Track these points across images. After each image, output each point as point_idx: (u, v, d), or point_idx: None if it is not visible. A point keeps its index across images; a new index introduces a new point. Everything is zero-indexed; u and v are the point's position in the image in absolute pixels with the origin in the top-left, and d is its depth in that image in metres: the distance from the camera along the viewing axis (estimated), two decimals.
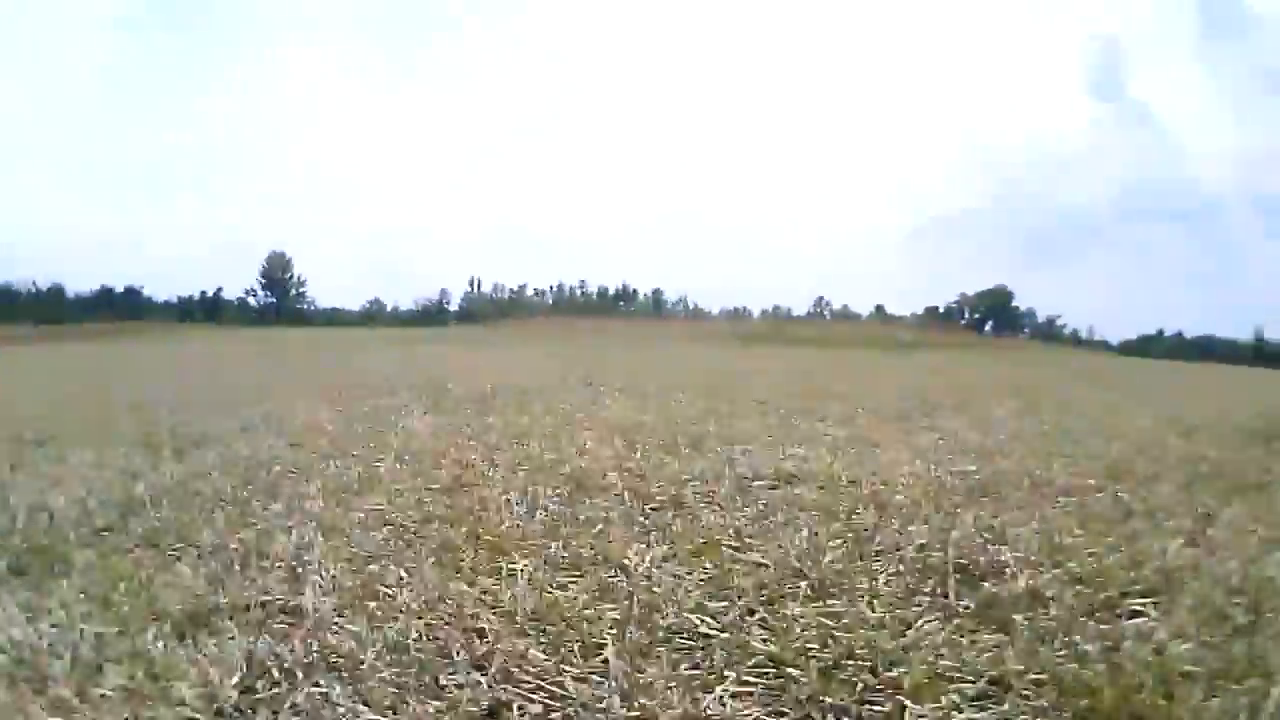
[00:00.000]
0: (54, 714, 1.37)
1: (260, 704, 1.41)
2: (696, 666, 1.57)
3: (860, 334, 32.14)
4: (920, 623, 1.73)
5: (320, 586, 1.92)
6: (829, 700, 1.45)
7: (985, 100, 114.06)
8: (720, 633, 1.70)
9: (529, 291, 74.91)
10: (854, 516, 2.67)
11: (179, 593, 1.88)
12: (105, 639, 1.64)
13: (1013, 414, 6.12)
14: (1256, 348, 58.10)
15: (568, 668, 1.55)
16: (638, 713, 1.40)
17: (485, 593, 1.92)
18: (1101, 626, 1.74)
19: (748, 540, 2.37)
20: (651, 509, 2.77)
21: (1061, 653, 1.60)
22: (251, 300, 68.30)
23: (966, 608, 1.85)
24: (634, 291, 74.62)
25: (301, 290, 69.37)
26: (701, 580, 2.03)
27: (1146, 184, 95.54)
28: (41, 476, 3.31)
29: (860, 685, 1.49)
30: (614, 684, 1.47)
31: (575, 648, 1.63)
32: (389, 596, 1.88)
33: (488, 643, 1.63)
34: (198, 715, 1.37)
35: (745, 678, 1.53)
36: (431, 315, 66.05)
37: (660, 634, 1.69)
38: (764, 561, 2.16)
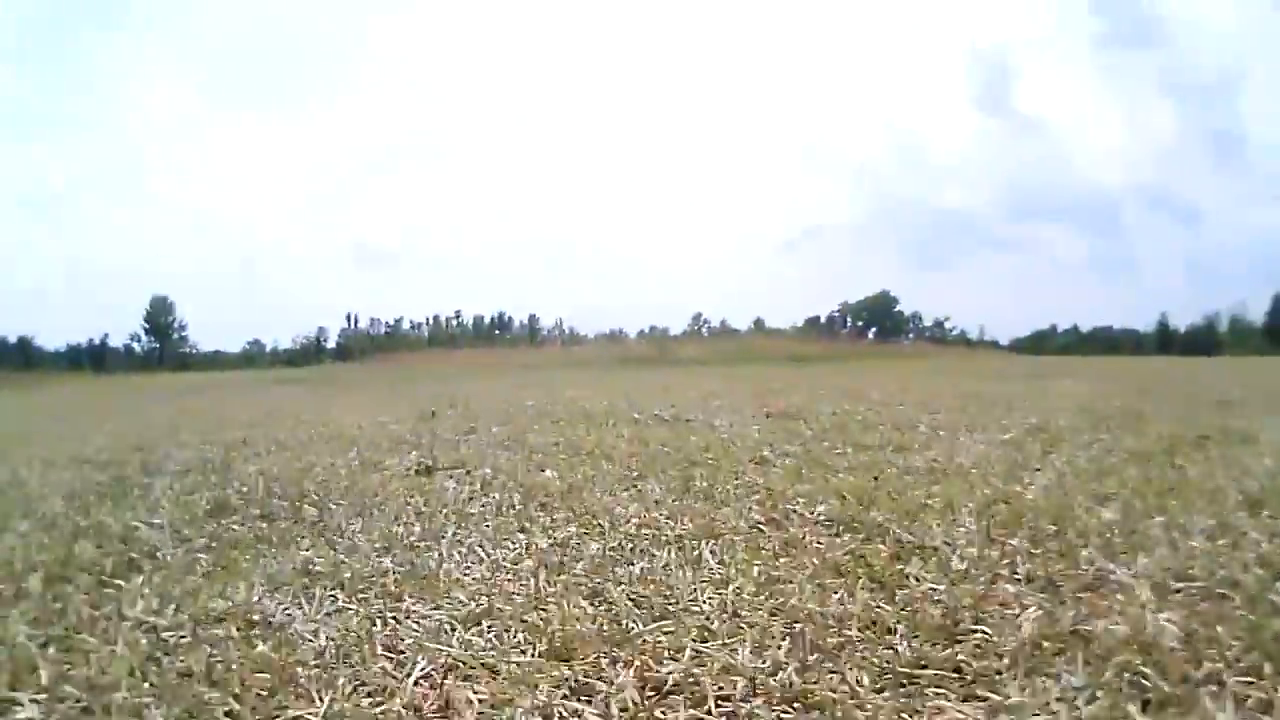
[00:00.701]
0: None
1: None
2: None
3: (749, 348, 31.30)
4: None
5: None
6: None
7: (861, 112, 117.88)
8: None
9: (405, 325, 75.14)
10: None
11: None
12: None
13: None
14: (1161, 336, 61.61)
15: None
16: None
17: None
18: None
19: None
20: None
21: None
22: (136, 346, 67.32)
23: None
24: (510, 319, 75.40)
25: (184, 334, 68.58)
26: None
27: (1034, 186, 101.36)
28: None
29: None
30: None
31: None
32: None
33: None
34: None
35: None
36: (310, 353, 66.04)
37: None
38: None
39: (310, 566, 2.12)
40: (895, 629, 1.60)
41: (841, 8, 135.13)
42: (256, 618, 1.78)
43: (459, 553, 2.23)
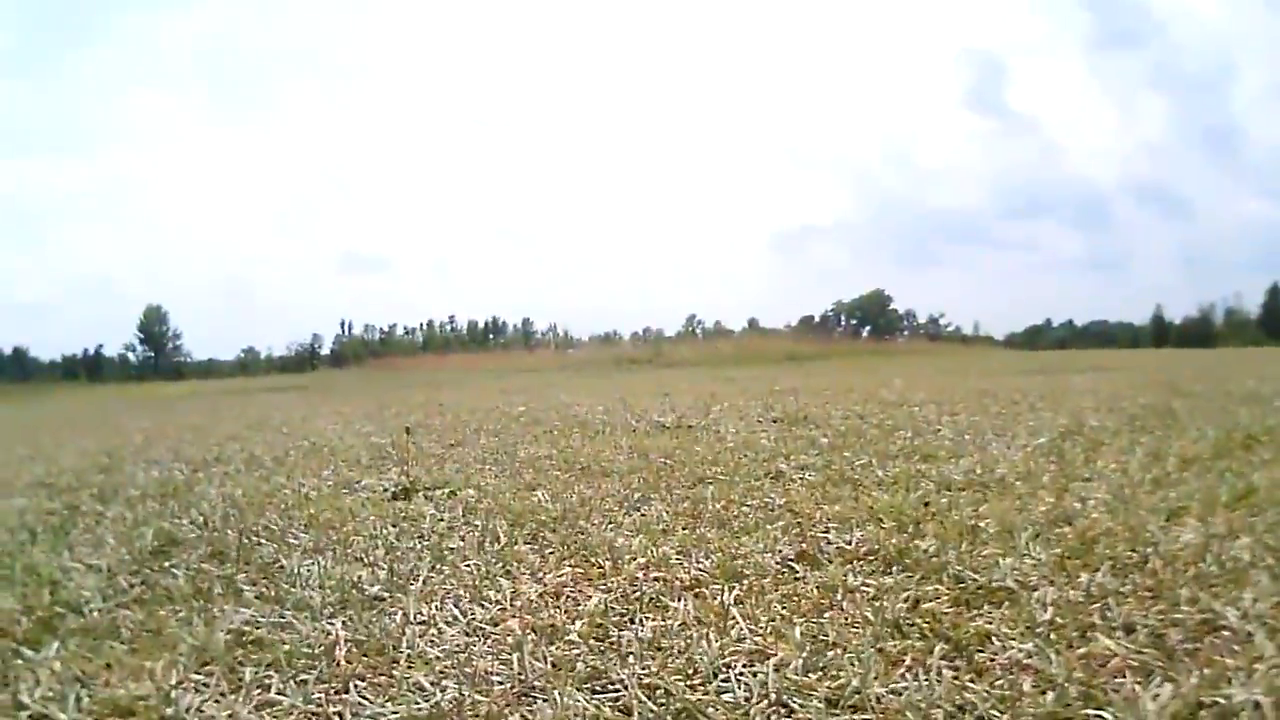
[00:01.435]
0: None
1: None
2: None
3: (744, 349, 30.78)
4: None
5: None
6: None
7: (852, 111, 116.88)
8: None
9: (399, 330, 74.68)
10: None
11: None
12: None
13: None
14: (1157, 329, 61.24)
15: None
16: None
17: None
18: None
19: None
20: None
21: None
22: (131, 355, 67.42)
23: None
24: (503, 323, 75.20)
25: (178, 343, 68.72)
26: None
27: (1027, 183, 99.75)
28: None
29: None
30: None
31: None
32: None
33: None
34: None
35: None
36: (304, 360, 65.39)
37: None
38: None
39: (246, 635, 1.73)
40: None
41: (833, 6, 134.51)
42: (169, 712, 1.40)
43: (428, 609, 1.83)
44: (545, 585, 2.00)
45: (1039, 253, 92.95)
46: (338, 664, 1.54)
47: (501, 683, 1.43)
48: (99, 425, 10.27)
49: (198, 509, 3.30)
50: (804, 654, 1.47)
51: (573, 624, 1.69)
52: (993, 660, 1.44)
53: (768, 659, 1.46)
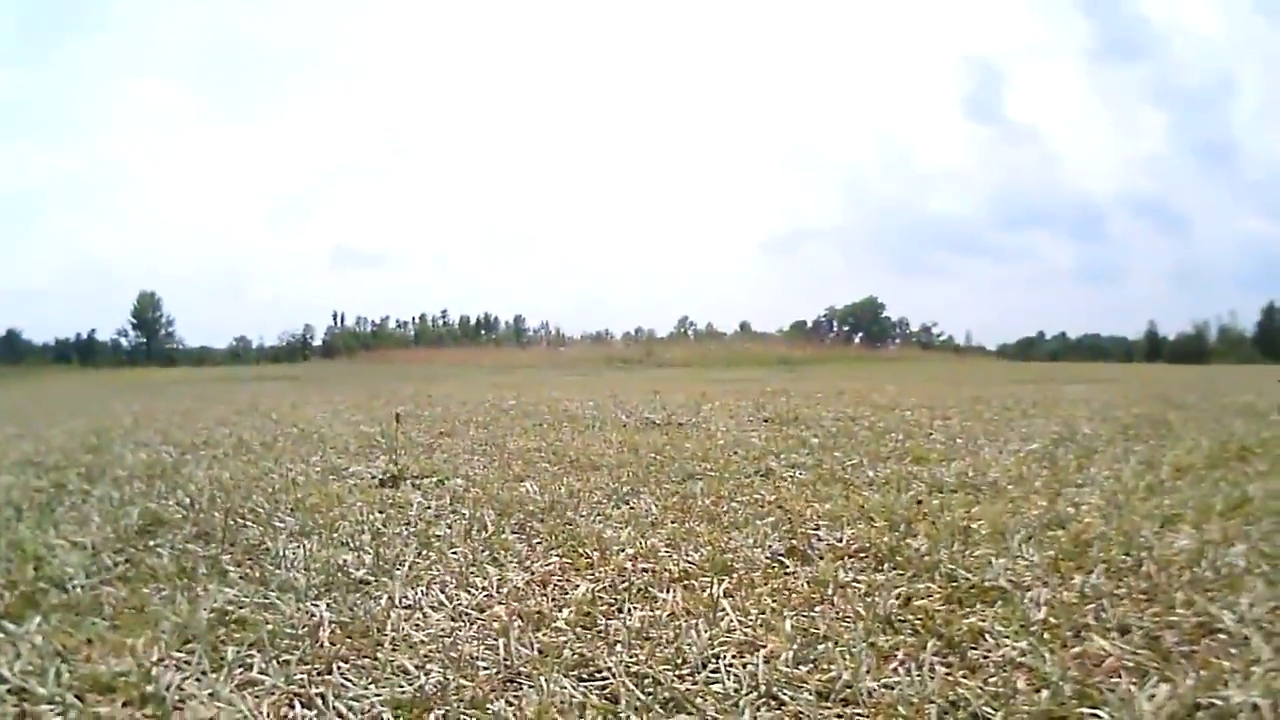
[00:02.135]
0: None
1: None
2: None
3: (735, 351, 30.74)
4: None
5: None
6: None
7: (849, 117, 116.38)
8: None
9: (391, 324, 74.10)
10: None
11: None
12: None
13: None
14: (1150, 343, 61.31)
15: None
16: None
17: None
18: None
19: None
20: None
21: None
22: (123, 341, 66.85)
23: None
24: (496, 319, 74.71)
25: (171, 330, 68.24)
26: None
27: (1024, 194, 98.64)
28: None
29: None
30: None
31: None
32: None
33: None
34: None
35: None
36: (296, 350, 65.58)
37: None
38: None
39: (229, 614, 1.70)
40: (987, 718, 1.20)
41: (831, 12, 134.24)
42: (150, 690, 1.37)
43: (414, 594, 1.81)
44: (532, 574, 1.97)
45: (1034, 264, 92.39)
46: (321, 645, 1.51)
47: (487, 668, 1.41)
48: (89, 407, 10.19)
49: (184, 490, 3.26)
50: (794, 647, 1.45)
51: (560, 612, 1.67)
52: (986, 657, 1.42)
53: (757, 651, 1.44)
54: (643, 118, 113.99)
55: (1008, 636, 1.50)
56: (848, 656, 1.40)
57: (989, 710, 1.23)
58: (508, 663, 1.41)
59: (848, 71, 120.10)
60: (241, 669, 1.43)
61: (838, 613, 1.65)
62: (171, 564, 2.15)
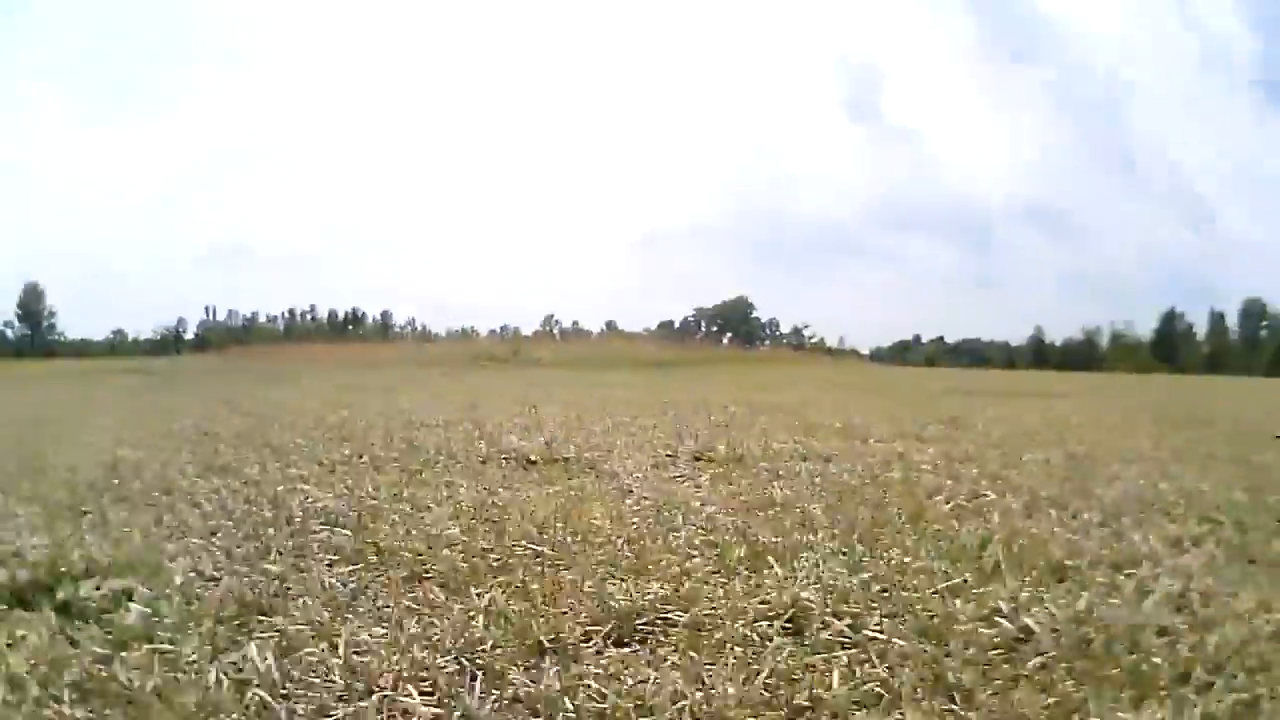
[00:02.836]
0: None
1: None
2: None
3: (603, 351, 28.83)
4: None
5: None
6: None
7: (723, 119, 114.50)
8: None
9: (261, 318, 73.78)
10: None
11: None
12: None
13: None
14: (1036, 349, 62.85)
15: None
16: None
17: None
18: None
19: None
20: None
21: None
22: (9, 332, 66.36)
23: None
24: (363, 315, 74.23)
25: (52, 322, 67.45)
26: None
27: (904, 198, 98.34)
28: None
29: None
30: None
31: None
32: None
33: None
34: None
35: None
36: (169, 344, 64.92)
37: None
38: None
39: None
40: None
41: (709, 12, 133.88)
42: None
43: None
44: None
45: (911, 267, 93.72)
46: None
47: None
48: None
49: None
50: None
51: None
52: None
53: None
54: (512, 116, 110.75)
55: None
56: None
57: None
58: None
59: (724, 72, 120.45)
60: None
61: None
62: None
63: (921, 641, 1.47)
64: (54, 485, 3.08)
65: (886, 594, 1.72)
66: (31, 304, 66.22)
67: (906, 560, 1.96)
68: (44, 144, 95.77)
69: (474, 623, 1.55)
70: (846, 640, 1.50)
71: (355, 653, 1.42)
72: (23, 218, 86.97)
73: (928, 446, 4.27)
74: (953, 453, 4.07)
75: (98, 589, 1.75)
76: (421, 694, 1.29)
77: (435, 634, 1.51)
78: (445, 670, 1.37)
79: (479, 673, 1.36)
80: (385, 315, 73.03)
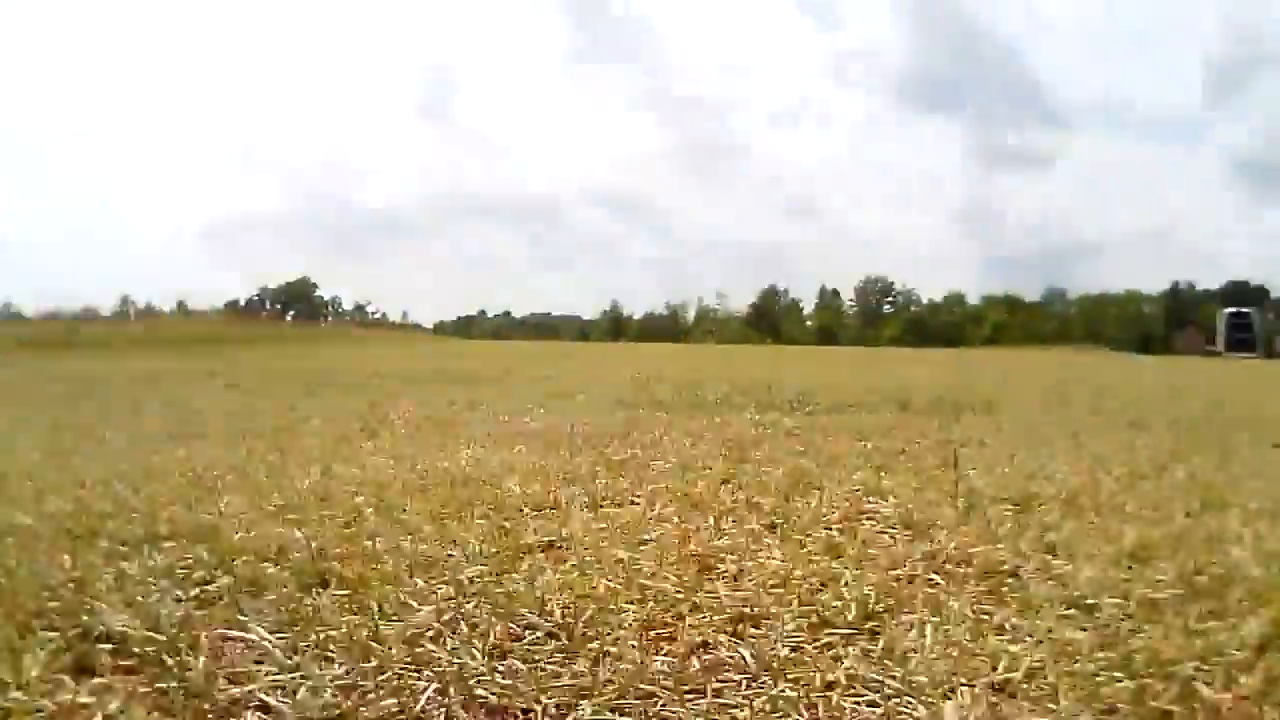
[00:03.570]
0: None
1: None
2: None
3: (171, 329, 28.65)
4: None
5: None
6: None
7: (295, 113, 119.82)
8: None
9: None
10: None
11: None
12: None
13: None
14: (614, 322, 67.61)
15: None
16: None
17: None
18: None
19: None
20: None
21: None
22: None
23: None
24: None
25: None
26: None
27: (479, 189, 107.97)
28: None
29: None
30: None
31: None
32: None
33: None
34: None
35: None
36: None
37: None
38: None
39: None
40: None
41: (287, 11, 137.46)
42: None
43: None
44: None
45: (478, 249, 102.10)
46: None
47: None
48: None
49: None
50: None
51: None
52: None
53: None
54: (83, 105, 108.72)
55: None
56: None
57: None
58: None
59: (300, 67, 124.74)
60: None
61: None
62: None
63: None
64: None
65: None
66: None
67: None
68: None
69: None
70: None
71: None
72: None
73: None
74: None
75: None
76: None
77: None
78: None
79: None
80: None
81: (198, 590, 1.71)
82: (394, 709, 1.24)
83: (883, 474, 3.02)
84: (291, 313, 58.69)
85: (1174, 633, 1.49)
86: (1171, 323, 55.23)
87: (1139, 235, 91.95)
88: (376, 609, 1.58)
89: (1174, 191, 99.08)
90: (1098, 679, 1.31)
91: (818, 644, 1.47)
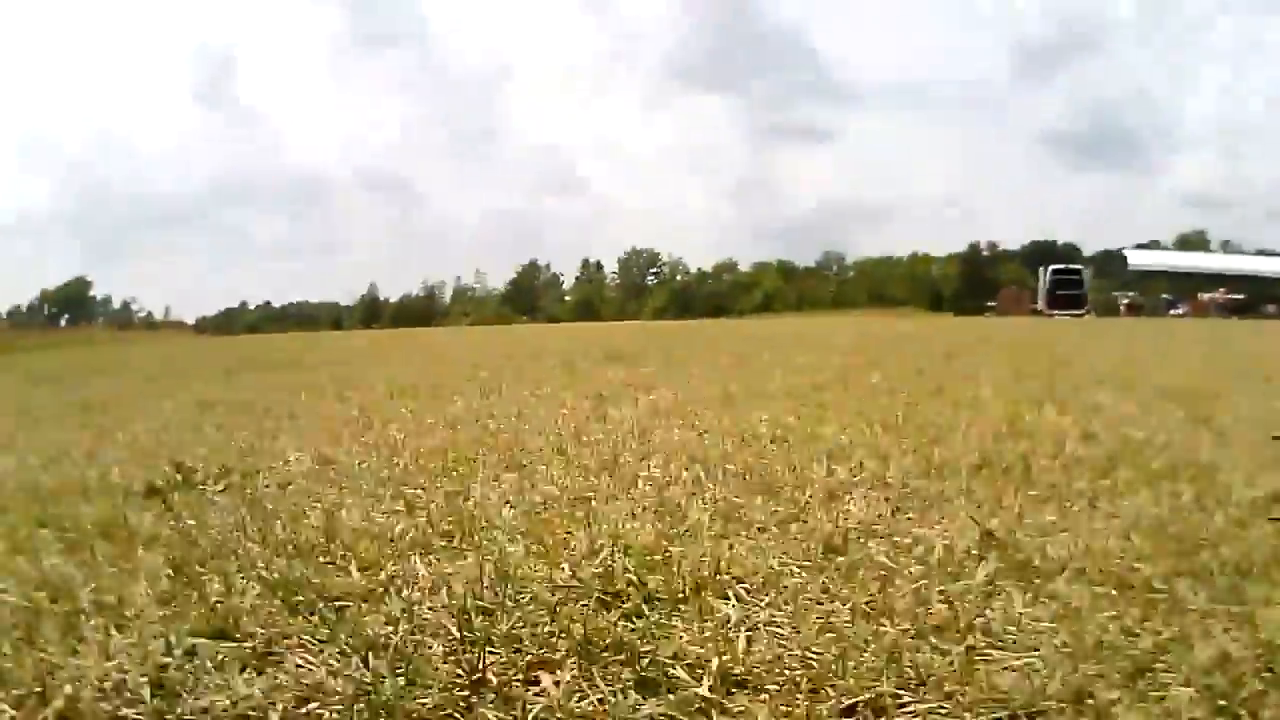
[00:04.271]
0: None
1: None
2: None
3: None
4: None
5: None
6: None
7: (69, 107, 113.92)
8: None
9: None
10: None
11: None
12: None
13: None
14: (370, 307, 66.45)
15: None
16: None
17: None
18: None
19: None
20: None
21: None
22: None
23: None
24: None
25: None
26: None
27: (246, 174, 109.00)
28: None
29: None
30: None
31: None
32: None
33: None
34: None
35: None
36: None
37: None
38: None
39: None
40: None
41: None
42: None
43: None
44: None
45: (244, 237, 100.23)
46: None
47: None
48: None
49: None
50: None
51: None
52: None
53: None
54: None
55: None
56: None
57: None
58: None
59: (70, 59, 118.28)
60: None
61: None
62: None
63: None
64: None
65: None
66: None
67: None
68: None
69: None
70: None
71: None
72: None
73: None
74: None
75: None
76: None
77: None
78: None
79: None
80: None
81: None
82: None
83: None
84: (67, 317, 57.48)
85: None
86: (970, 283, 53.04)
87: (932, 202, 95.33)
88: None
89: (977, 162, 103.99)
90: None
91: None
